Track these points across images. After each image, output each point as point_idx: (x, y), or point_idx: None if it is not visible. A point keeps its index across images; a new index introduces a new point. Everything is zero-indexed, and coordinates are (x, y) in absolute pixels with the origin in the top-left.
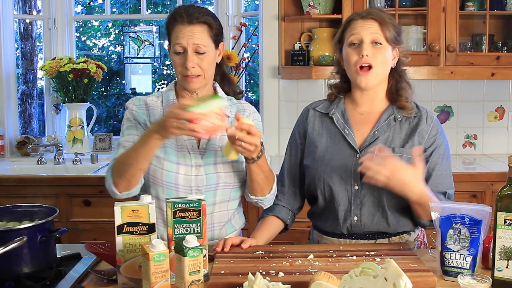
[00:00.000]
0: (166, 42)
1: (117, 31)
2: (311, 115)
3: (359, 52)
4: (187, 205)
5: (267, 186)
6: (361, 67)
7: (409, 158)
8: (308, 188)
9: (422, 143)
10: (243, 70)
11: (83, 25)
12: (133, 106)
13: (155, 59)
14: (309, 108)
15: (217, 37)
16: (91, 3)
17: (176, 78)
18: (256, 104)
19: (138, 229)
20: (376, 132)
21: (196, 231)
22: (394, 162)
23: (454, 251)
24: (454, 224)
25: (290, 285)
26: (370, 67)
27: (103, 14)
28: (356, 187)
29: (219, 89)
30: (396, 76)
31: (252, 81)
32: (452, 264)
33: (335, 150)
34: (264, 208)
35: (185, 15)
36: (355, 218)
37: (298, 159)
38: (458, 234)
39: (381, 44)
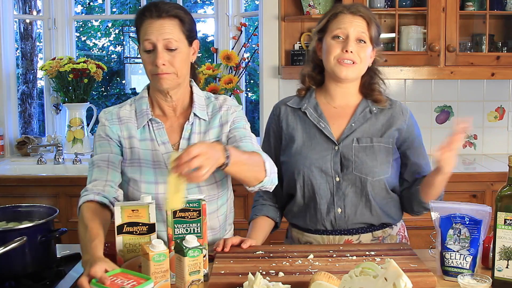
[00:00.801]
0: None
1: (117, 31)
2: (283, 111)
3: (343, 47)
4: (187, 205)
5: (259, 171)
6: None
7: (387, 148)
8: (287, 185)
9: (402, 134)
10: (243, 70)
11: (83, 25)
12: (105, 120)
13: None
14: (280, 105)
15: (190, 33)
16: (91, 3)
17: (149, 82)
18: (256, 104)
19: (138, 229)
20: (353, 124)
21: (196, 231)
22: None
23: (454, 251)
24: (454, 224)
25: (290, 285)
26: (353, 63)
27: (103, 14)
28: (338, 179)
29: (195, 87)
30: (370, 73)
31: (252, 81)
32: (452, 264)
33: (312, 143)
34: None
35: (154, 9)
36: (339, 210)
37: (273, 156)
38: (458, 234)
39: (365, 42)
